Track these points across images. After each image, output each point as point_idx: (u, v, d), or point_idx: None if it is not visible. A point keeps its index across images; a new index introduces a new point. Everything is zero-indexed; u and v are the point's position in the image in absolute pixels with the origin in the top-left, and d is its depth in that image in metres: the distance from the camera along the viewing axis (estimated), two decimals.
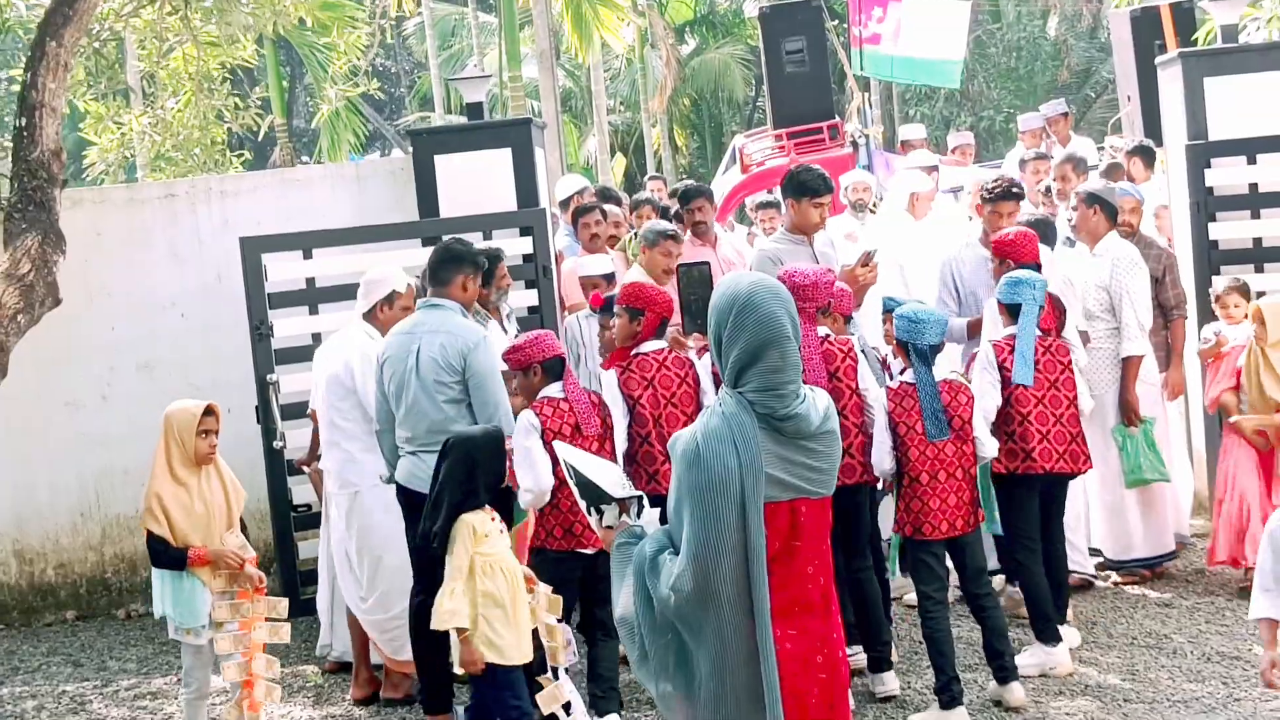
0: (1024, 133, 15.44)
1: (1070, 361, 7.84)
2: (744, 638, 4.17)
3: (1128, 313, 8.88)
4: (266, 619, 7.00)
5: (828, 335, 7.44)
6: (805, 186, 8.40)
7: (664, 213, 11.55)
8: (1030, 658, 7.57)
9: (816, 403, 4.32)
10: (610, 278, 9.64)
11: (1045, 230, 8.85)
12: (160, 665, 9.33)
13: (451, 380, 7.29)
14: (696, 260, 8.51)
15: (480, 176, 10.64)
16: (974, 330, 8.45)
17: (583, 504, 4.61)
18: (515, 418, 7.25)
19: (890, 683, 7.44)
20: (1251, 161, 10.14)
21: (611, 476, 4.65)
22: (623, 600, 4.41)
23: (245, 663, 6.90)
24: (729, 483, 4.14)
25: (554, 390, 7.18)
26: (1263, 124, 10.16)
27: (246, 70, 17.75)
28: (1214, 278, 9.82)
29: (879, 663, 7.48)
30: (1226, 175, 10.18)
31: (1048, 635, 7.59)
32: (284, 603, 7.15)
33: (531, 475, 6.98)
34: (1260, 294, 9.15)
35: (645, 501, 4.60)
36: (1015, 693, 7.11)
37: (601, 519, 4.56)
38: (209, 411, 7.04)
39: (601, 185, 14.56)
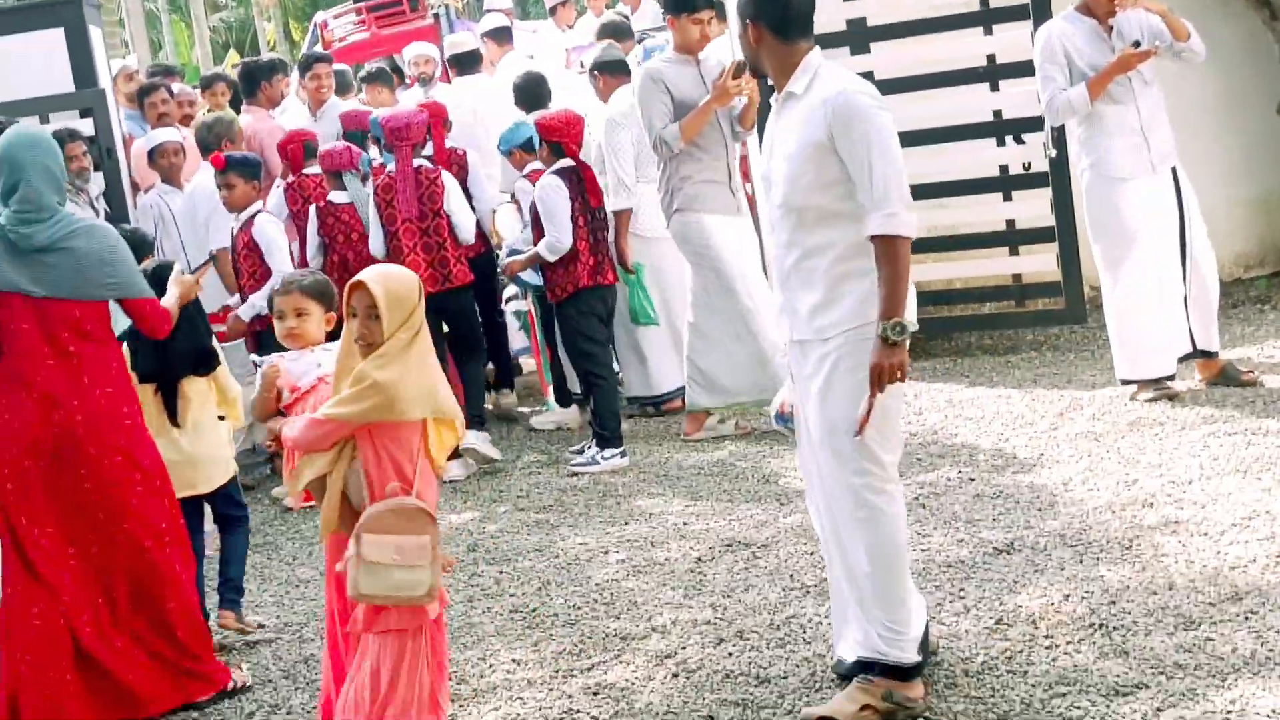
0: None
1: None
2: None
3: (611, 169, 9.22)
4: None
5: (420, 165, 8.85)
6: (682, 2, 8.57)
7: (236, 87, 11.29)
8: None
9: (63, 227, 5.64)
10: (180, 147, 9.58)
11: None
12: None
13: None
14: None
15: (33, 58, 10.25)
16: (1094, 93, 7.99)
17: None
18: None
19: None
20: None
21: None
22: None
23: None
24: None
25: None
26: None
27: None
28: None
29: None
30: None
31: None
32: None
33: None
34: None
35: None
36: None
37: None
38: None
39: (161, 63, 14.12)
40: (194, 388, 6.35)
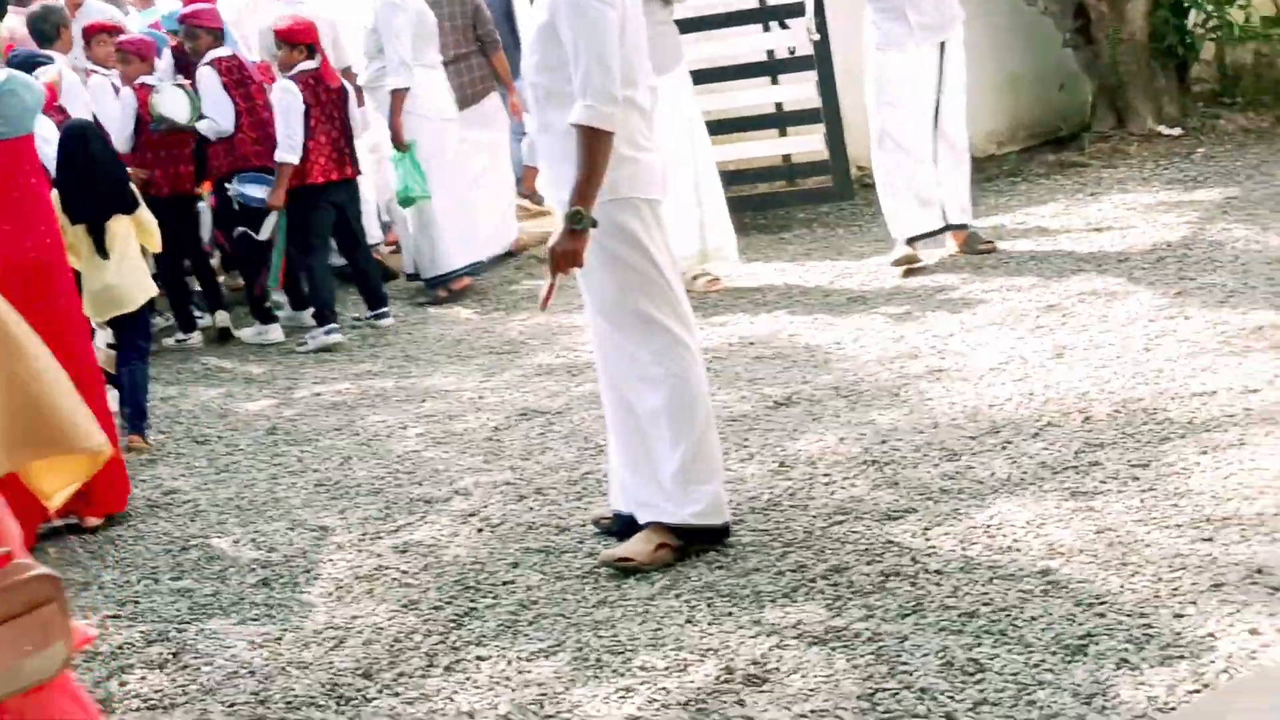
0: None
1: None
2: None
3: (390, 50, 9.57)
4: None
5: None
6: None
7: None
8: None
9: None
10: None
11: None
12: None
13: None
14: None
15: None
16: None
17: None
18: None
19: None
20: None
21: None
22: None
23: None
24: None
25: None
26: None
27: None
28: None
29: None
30: None
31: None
32: None
33: None
34: None
35: None
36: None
37: None
38: None
39: None
40: (118, 225, 7.25)
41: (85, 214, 7.17)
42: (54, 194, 6.80)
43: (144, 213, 7.42)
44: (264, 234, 9.21)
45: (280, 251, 9.26)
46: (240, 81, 9.29)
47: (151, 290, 7.56)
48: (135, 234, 7.37)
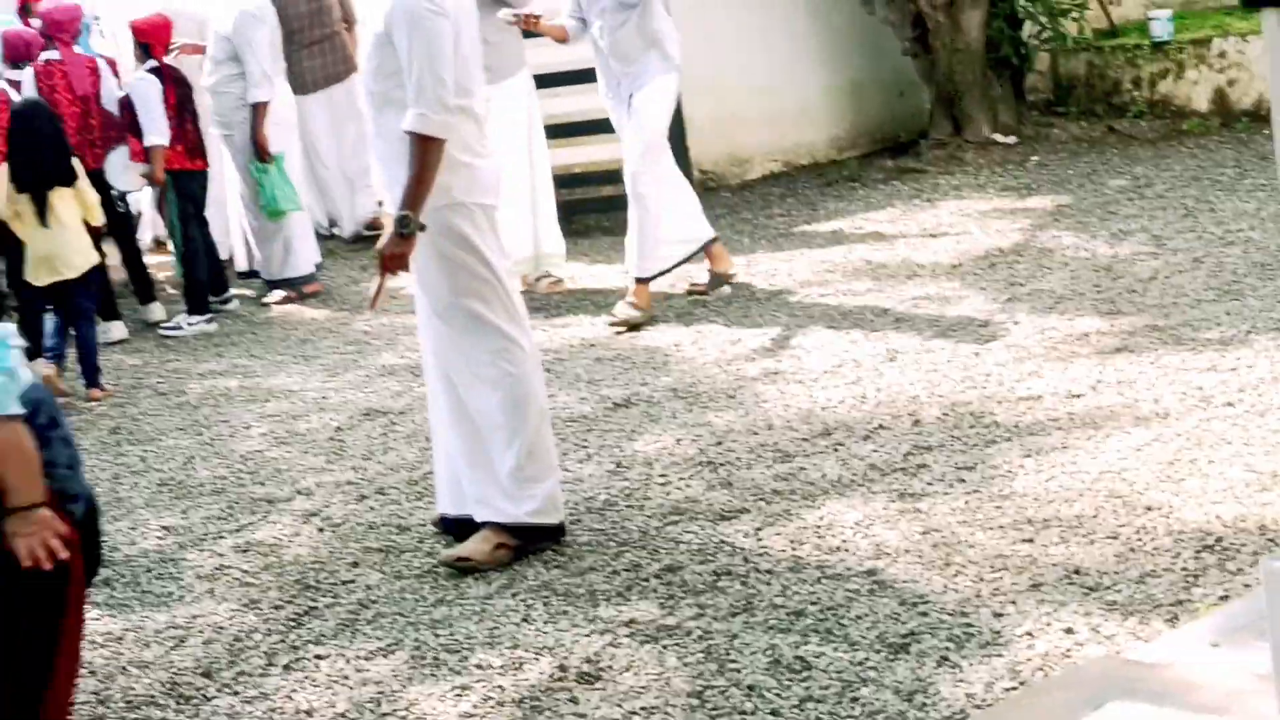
0: None
1: None
2: None
3: (251, 63, 9.51)
4: None
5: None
6: None
7: None
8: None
9: None
10: None
11: None
12: None
13: None
14: None
15: None
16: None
17: None
18: None
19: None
20: None
21: None
22: None
23: None
24: None
25: None
26: None
27: None
28: None
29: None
30: None
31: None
32: None
33: None
34: None
35: None
36: None
37: None
38: None
39: None
40: (59, 195, 7.99)
41: (29, 184, 7.93)
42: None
43: (86, 188, 8.14)
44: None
45: (177, 224, 9.38)
46: (46, 89, 9.09)
47: (94, 257, 8.19)
48: (77, 206, 8.06)
